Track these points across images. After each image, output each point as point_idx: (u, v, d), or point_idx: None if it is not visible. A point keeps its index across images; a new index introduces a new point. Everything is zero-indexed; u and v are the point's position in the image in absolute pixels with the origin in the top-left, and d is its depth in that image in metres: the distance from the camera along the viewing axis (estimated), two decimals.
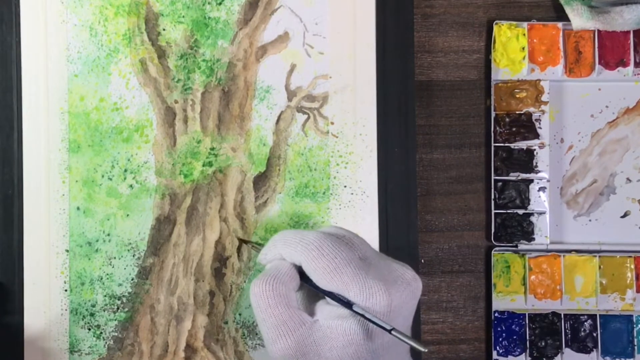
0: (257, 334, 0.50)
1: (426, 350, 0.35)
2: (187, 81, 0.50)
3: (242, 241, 0.50)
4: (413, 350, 0.41)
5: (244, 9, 0.50)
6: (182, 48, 0.50)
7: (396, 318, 0.37)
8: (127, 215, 0.50)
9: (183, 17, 0.50)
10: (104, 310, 0.49)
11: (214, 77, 0.50)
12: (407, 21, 0.50)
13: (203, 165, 0.50)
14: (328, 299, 0.38)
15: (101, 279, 0.49)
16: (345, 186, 0.50)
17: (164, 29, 0.50)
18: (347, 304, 0.36)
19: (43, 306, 0.49)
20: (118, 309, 0.49)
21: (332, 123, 0.50)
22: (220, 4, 0.50)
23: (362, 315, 0.35)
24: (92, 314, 0.49)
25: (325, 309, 0.38)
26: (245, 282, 0.50)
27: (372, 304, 0.36)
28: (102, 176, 0.50)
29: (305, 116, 0.50)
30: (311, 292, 0.40)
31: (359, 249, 0.39)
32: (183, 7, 0.50)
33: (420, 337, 0.51)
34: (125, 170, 0.50)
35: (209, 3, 0.50)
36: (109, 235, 0.49)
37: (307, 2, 0.50)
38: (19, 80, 0.49)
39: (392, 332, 0.35)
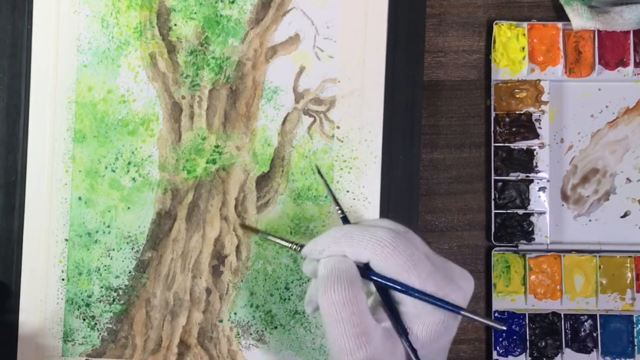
0: (251, 334, 0.49)
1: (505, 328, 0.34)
2: (195, 77, 0.50)
3: (248, 229, 0.49)
4: None
5: (256, 9, 0.50)
6: (193, 44, 0.50)
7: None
8: (128, 208, 0.50)
9: (195, 13, 0.50)
10: (100, 302, 0.49)
11: (222, 74, 0.50)
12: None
13: (207, 162, 0.50)
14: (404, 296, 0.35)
15: (99, 270, 0.49)
16: (347, 191, 0.50)
17: (175, 25, 0.50)
18: (446, 303, 0.34)
19: (39, 294, 0.49)
20: (114, 301, 0.49)
21: (338, 127, 0.50)
22: (232, 2, 0.50)
23: (457, 312, 0.34)
24: (87, 305, 0.49)
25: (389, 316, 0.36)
26: (242, 281, 0.50)
27: (450, 300, 0.35)
28: (106, 167, 0.50)
29: (312, 119, 0.50)
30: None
31: (421, 246, 0.37)
32: (195, 3, 0.50)
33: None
34: (129, 163, 0.50)
35: (221, 1, 0.50)
36: (109, 227, 0.49)
37: (320, 5, 0.50)
38: (28, 68, 0.49)
39: (492, 322, 0.35)
